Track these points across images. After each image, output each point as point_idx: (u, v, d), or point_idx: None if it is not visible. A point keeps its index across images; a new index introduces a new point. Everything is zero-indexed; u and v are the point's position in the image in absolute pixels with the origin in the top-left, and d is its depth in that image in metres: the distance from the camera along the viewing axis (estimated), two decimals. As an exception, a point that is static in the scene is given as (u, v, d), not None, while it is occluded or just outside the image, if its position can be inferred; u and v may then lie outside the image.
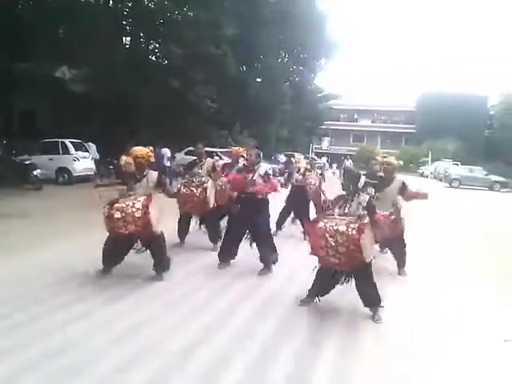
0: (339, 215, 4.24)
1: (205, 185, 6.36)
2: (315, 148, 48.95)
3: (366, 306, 4.30)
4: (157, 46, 20.71)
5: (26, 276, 4.89)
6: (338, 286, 4.40)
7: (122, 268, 5.13)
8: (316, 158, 28.36)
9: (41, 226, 7.59)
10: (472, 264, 6.82)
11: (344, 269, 4.19)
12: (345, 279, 4.32)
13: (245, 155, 9.40)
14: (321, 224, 4.15)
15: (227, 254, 5.65)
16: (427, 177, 33.55)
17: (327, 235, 4.04)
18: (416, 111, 52.33)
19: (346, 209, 4.29)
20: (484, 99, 48.42)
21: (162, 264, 5.06)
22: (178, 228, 6.70)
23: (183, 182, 6.49)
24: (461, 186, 25.91)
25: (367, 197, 4.34)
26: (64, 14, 16.19)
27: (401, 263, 5.89)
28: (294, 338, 3.73)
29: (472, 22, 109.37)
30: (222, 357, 3.34)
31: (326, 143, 54.52)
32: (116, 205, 4.66)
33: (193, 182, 6.44)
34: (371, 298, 4.25)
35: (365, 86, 66.37)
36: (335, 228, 4.04)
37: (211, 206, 6.43)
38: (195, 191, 6.29)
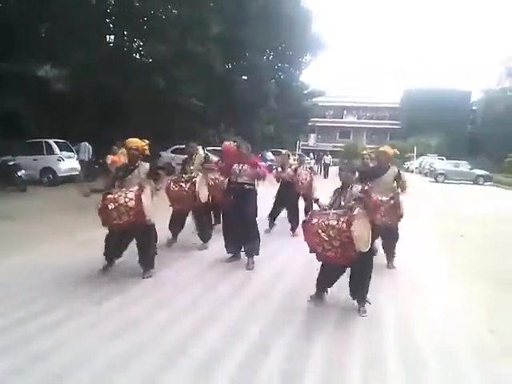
0: (334, 209, 4.26)
1: (193, 179, 6.28)
2: (302, 145, 49.07)
3: (352, 297, 4.34)
4: (141, 43, 20.52)
5: (11, 279, 4.81)
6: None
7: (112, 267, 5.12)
8: (305, 155, 28.35)
9: (25, 228, 7.46)
10: (460, 258, 6.89)
11: (342, 262, 4.18)
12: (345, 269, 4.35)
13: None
14: (314, 220, 4.15)
15: (234, 246, 5.72)
16: (412, 172, 33.98)
17: (320, 231, 4.05)
18: (400, 107, 52.83)
19: (342, 201, 4.31)
20: (467, 94, 49.09)
21: (147, 258, 5.02)
22: (171, 224, 6.64)
23: (173, 178, 6.43)
24: (446, 181, 26.30)
25: (359, 187, 4.37)
26: (46, 12, 15.93)
27: (390, 255, 5.93)
28: (285, 333, 3.73)
29: (454, 17, 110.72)
30: (215, 353, 3.32)
31: (312, 140, 54.73)
32: (109, 196, 4.65)
33: (182, 177, 6.40)
34: (360, 290, 4.28)
35: (350, 83, 66.84)
36: (326, 223, 4.06)
37: (202, 200, 6.33)
38: (184, 186, 6.23)
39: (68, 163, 14.53)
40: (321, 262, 4.38)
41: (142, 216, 4.70)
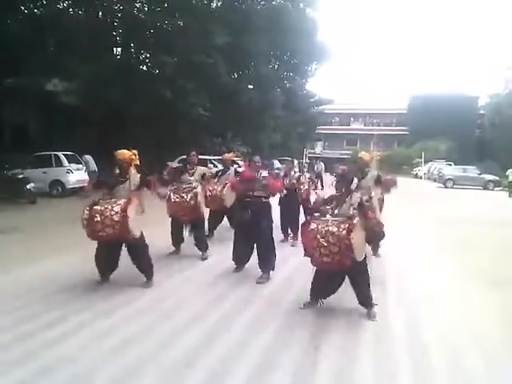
0: (331, 216, 4.31)
1: (194, 190, 6.27)
2: (309, 153, 49.10)
3: (360, 304, 4.39)
4: (148, 55, 20.78)
5: (17, 291, 4.84)
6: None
7: (115, 278, 5.14)
8: (314, 162, 28.22)
9: (34, 241, 7.53)
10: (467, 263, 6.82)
11: (337, 268, 4.22)
12: (342, 279, 4.38)
13: (237, 160, 9.44)
14: (313, 226, 4.20)
15: (241, 258, 5.72)
16: (421, 178, 33.77)
17: (318, 236, 4.09)
18: (407, 113, 52.63)
19: (337, 210, 4.37)
20: (474, 99, 48.82)
21: (143, 269, 5.07)
22: (172, 236, 6.67)
23: (172, 188, 6.41)
24: (455, 186, 26.09)
25: (359, 197, 4.40)
26: (53, 27, 16.21)
27: (375, 247, 6.35)
28: (294, 345, 3.69)
29: (461, 22, 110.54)
30: (223, 366, 3.30)
31: (319, 147, 54.75)
32: (95, 207, 4.65)
33: (183, 188, 6.38)
34: (364, 296, 4.34)
35: (357, 90, 66.93)
36: (326, 229, 4.10)
37: (202, 212, 6.38)
38: (185, 197, 6.21)
39: (77, 175, 14.68)
40: (314, 268, 4.42)
41: (126, 230, 4.68)
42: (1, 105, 14.23)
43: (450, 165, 32.63)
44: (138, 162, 5.15)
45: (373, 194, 5.63)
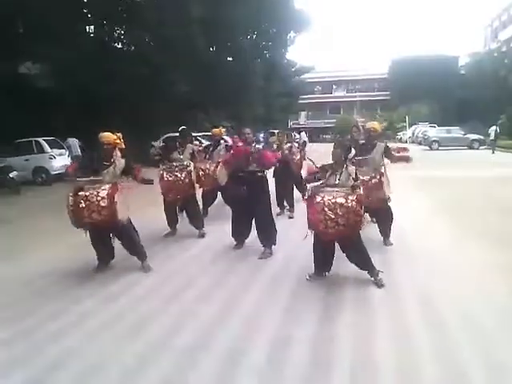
0: (328, 186, 4.25)
1: (188, 168, 6.15)
2: (293, 124, 48.85)
3: (362, 269, 4.35)
4: (122, 32, 19.97)
5: (11, 286, 4.66)
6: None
7: (112, 264, 5.03)
8: (296, 134, 28.03)
9: (23, 233, 7.28)
10: (462, 225, 6.81)
11: (342, 239, 4.21)
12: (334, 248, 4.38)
13: (225, 137, 9.22)
14: (318, 198, 4.12)
15: (240, 234, 5.61)
16: (406, 142, 33.81)
17: (326, 209, 4.03)
18: (389, 77, 52.21)
19: (336, 180, 4.27)
20: (455, 60, 48.49)
21: (134, 251, 4.94)
22: (166, 217, 6.51)
23: (164, 167, 6.23)
24: (440, 148, 26.25)
25: (353, 167, 4.37)
26: (21, 8, 15.41)
27: (385, 233, 5.66)
28: (307, 318, 3.62)
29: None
30: (238, 346, 3.22)
31: (303, 118, 54.39)
32: (80, 193, 4.45)
33: (175, 166, 6.20)
34: (364, 262, 4.31)
35: (337, 57, 66.12)
36: (333, 201, 4.05)
37: (195, 190, 6.26)
38: (179, 175, 6.07)
39: (60, 161, 14.25)
40: (314, 242, 4.40)
41: (114, 216, 4.50)
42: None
43: (434, 127, 32.71)
44: (123, 145, 4.92)
45: (383, 170, 5.51)
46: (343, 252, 4.37)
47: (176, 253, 5.65)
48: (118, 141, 4.87)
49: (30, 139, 13.94)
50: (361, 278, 4.37)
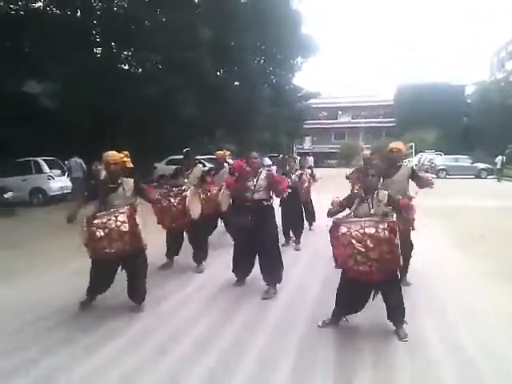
0: (361, 217, 3.70)
1: (184, 193, 5.57)
2: (297, 148, 48.67)
3: (390, 319, 3.78)
4: (129, 54, 19.95)
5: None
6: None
7: (99, 301, 4.50)
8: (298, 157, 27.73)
9: (12, 257, 6.79)
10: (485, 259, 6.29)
11: (376, 278, 3.61)
12: (375, 292, 3.77)
13: (230, 160, 8.82)
14: (343, 229, 3.57)
15: (242, 270, 5.07)
16: (412, 169, 33.35)
17: (354, 241, 3.49)
18: (394, 104, 52.30)
19: (370, 209, 3.76)
20: (461, 88, 48.57)
21: (139, 290, 4.39)
22: (167, 246, 6.03)
23: (162, 192, 5.73)
24: (447, 176, 25.81)
25: (386, 192, 3.85)
26: (29, 26, 15.38)
27: (404, 271, 4.99)
28: (319, 375, 3.11)
29: (445, 12, 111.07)
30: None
31: (307, 143, 54.25)
32: (95, 221, 3.98)
33: (172, 191, 5.69)
34: (397, 311, 3.74)
35: (343, 83, 66.62)
36: (362, 231, 3.50)
37: (194, 217, 5.64)
38: (173, 201, 5.54)
39: (59, 182, 13.91)
40: (341, 281, 3.83)
41: (138, 241, 4.11)
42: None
43: (440, 155, 32.40)
44: (131, 164, 4.49)
45: (411, 193, 5.02)
46: (382, 295, 3.76)
47: (171, 291, 5.08)
48: (125, 159, 4.45)
49: (29, 159, 13.64)
50: (378, 328, 3.85)
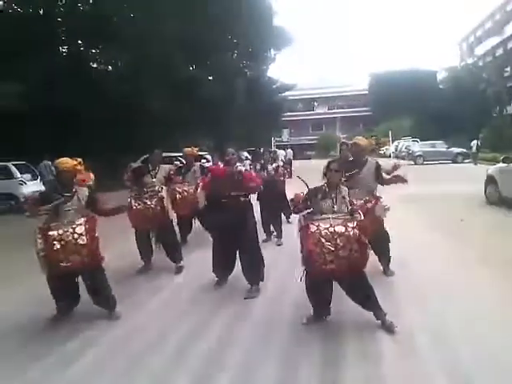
0: (323, 213, 3.59)
1: (159, 194, 5.39)
2: (276, 141, 48.56)
3: (367, 309, 3.69)
4: (97, 51, 19.40)
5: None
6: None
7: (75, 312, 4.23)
8: (278, 151, 27.46)
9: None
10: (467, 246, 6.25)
11: (343, 275, 3.53)
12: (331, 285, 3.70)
13: (207, 156, 8.57)
14: (312, 227, 3.46)
15: (222, 269, 4.86)
16: (389, 156, 33.75)
17: (323, 240, 3.39)
18: (369, 93, 52.66)
19: (333, 205, 3.63)
20: (433, 74, 49.08)
21: (105, 300, 4.16)
22: (139, 248, 5.75)
23: (132, 194, 5.49)
24: (425, 162, 26.11)
25: (346, 188, 3.76)
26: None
27: (385, 261, 4.99)
28: (304, 375, 2.96)
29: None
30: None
31: (285, 135, 54.16)
32: (50, 232, 3.71)
33: (145, 192, 5.46)
34: (373, 301, 3.63)
35: (318, 74, 66.64)
36: (332, 230, 3.42)
37: (171, 217, 5.56)
38: (149, 203, 5.32)
39: (31, 186, 13.36)
40: (306, 282, 3.72)
41: (96, 254, 3.86)
42: None
43: (417, 141, 32.77)
44: (84, 171, 4.22)
45: (376, 193, 4.88)
46: (345, 291, 3.70)
47: (148, 295, 4.82)
48: (78, 167, 4.17)
49: (-4, 163, 13.07)
50: (365, 321, 3.70)
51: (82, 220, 3.86)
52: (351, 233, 3.41)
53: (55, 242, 3.68)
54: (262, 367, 3.12)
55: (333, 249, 3.38)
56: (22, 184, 13.10)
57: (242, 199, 4.64)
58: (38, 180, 13.87)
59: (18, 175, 13.20)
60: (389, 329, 3.55)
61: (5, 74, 14.62)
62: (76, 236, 3.73)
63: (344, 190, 3.73)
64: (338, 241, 3.39)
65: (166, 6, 18.34)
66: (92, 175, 8.92)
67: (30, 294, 4.88)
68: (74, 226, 3.78)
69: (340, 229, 3.42)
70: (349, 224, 3.46)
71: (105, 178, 9.46)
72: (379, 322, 3.63)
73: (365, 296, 3.63)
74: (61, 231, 3.73)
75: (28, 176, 13.55)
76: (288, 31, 30.09)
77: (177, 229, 6.59)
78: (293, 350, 3.35)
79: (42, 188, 13.53)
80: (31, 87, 14.95)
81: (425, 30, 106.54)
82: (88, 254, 3.79)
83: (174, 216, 6.19)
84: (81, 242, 3.73)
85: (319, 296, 3.74)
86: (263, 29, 26.95)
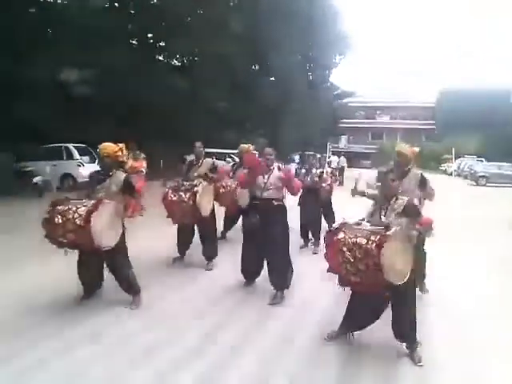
0: (373, 224, 3.39)
1: (195, 188, 5.34)
2: (332, 147, 47.86)
3: (396, 337, 3.44)
4: (165, 45, 20.02)
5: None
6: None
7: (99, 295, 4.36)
8: (332, 157, 26.85)
9: (30, 241, 6.79)
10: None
11: (367, 291, 3.31)
12: (383, 307, 3.46)
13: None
14: (340, 235, 3.30)
15: (249, 271, 4.82)
16: (451, 174, 32.17)
17: (345, 248, 3.22)
18: (436, 107, 50.58)
19: (381, 216, 3.45)
20: (506, 93, 46.30)
21: (124, 285, 4.23)
22: (178, 240, 5.84)
23: (172, 186, 5.55)
24: (488, 184, 24.55)
25: (405, 199, 3.49)
26: (66, 18, 15.65)
27: (419, 277, 4.62)
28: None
29: (490, 17, 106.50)
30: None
31: (343, 142, 53.15)
32: (58, 207, 3.84)
33: (182, 185, 5.49)
34: (404, 330, 3.37)
35: (383, 83, 64.86)
36: (354, 240, 3.20)
37: (203, 214, 5.41)
38: (183, 196, 5.31)
39: (89, 168, 14.02)
40: (351, 293, 3.54)
41: (88, 238, 3.77)
42: (10, 96, 13.67)
43: (482, 161, 31.02)
44: (125, 159, 4.31)
45: (416, 201, 4.58)
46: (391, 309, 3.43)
47: (174, 288, 4.86)
48: (118, 153, 4.26)
49: (60, 145, 13.86)
50: (390, 347, 3.48)
51: (91, 203, 3.89)
52: (369, 246, 3.11)
53: (58, 216, 3.77)
54: (271, 380, 3.02)
55: (352, 259, 3.18)
56: (80, 165, 13.81)
57: (275, 203, 4.53)
58: (96, 162, 14.53)
59: (78, 157, 13.92)
60: (414, 359, 3.32)
61: (80, 61, 15.48)
62: (76, 215, 3.76)
63: (400, 201, 3.47)
64: (357, 252, 3.16)
65: (233, 7, 18.63)
66: (145, 163, 9.15)
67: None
68: (78, 206, 3.83)
69: (361, 240, 3.18)
70: (371, 237, 3.17)
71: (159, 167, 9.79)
72: (408, 351, 3.39)
73: (406, 323, 3.37)
74: (66, 207, 3.83)
75: (87, 158, 14.23)
76: (353, 37, 29.66)
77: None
78: (306, 366, 3.22)
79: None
80: (101, 75, 15.71)
81: (499, 49, 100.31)
82: (81, 236, 3.76)
83: (216, 211, 6.12)
84: (77, 223, 3.74)
85: (355, 309, 3.52)
86: (330, 33, 26.63)
